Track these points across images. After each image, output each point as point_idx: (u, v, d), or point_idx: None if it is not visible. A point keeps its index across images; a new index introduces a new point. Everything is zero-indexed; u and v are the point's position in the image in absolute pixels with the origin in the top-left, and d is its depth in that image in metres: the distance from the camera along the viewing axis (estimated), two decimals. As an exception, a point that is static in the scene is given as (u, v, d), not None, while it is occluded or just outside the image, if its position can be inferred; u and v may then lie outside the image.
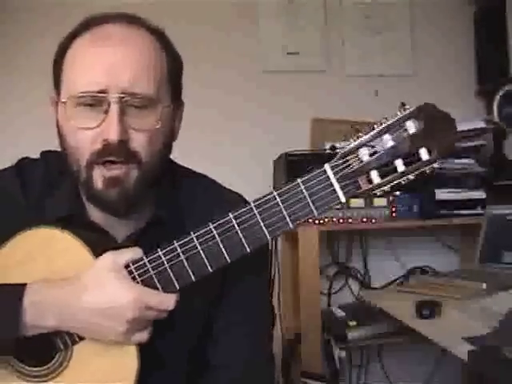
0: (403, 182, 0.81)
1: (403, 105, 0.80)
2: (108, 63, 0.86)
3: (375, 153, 0.80)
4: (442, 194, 2.17)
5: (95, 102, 0.86)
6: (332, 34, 2.52)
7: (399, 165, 0.79)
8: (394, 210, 2.15)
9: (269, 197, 0.82)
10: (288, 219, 0.82)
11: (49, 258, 0.88)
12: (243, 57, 2.44)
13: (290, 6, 2.49)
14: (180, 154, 1.02)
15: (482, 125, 2.23)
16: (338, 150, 2.37)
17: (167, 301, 0.84)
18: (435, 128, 0.79)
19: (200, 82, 2.15)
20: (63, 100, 0.89)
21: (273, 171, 2.33)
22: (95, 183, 0.87)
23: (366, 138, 0.80)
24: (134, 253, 0.86)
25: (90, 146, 0.86)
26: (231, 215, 0.83)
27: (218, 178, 1.07)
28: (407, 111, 0.79)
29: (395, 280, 2.41)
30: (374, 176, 0.80)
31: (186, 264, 0.84)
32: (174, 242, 0.85)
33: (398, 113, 0.79)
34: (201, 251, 0.84)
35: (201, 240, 0.84)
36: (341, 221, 2.10)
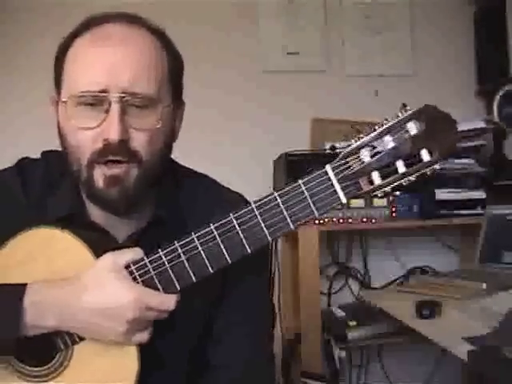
0: (404, 184, 0.81)
1: (404, 106, 0.79)
2: (108, 63, 0.86)
3: (376, 154, 0.79)
4: (442, 194, 2.17)
5: (96, 101, 0.86)
6: (332, 34, 2.52)
7: (400, 166, 0.79)
8: (394, 209, 2.15)
9: (270, 197, 0.82)
10: (289, 220, 0.82)
11: (49, 258, 0.88)
12: (243, 57, 2.44)
13: (290, 5, 2.49)
14: (180, 154, 1.02)
15: (481, 125, 2.23)
16: (337, 150, 2.38)
17: (168, 301, 0.84)
18: (436, 129, 0.79)
19: (200, 82, 2.15)
20: (64, 99, 0.89)
21: (273, 171, 2.33)
22: (96, 182, 0.88)
23: (367, 138, 0.80)
24: (135, 253, 0.86)
25: (91, 145, 0.86)
26: (232, 216, 0.83)
27: (218, 178, 1.07)
28: (408, 112, 0.79)
29: (395, 280, 2.41)
30: (375, 177, 0.80)
31: (186, 264, 0.84)
32: (175, 242, 0.84)
33: (399, 114, 0.79)
34: (201, 252, 0.84)
35: (202, 240, 0.84)
36: (341, 221, 2.10)
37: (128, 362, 0.86)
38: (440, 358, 2.31)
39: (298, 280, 2.06)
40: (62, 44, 0.92)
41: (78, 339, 0.87)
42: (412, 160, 0.79)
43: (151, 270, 0.85)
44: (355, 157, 0.80)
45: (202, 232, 0.84)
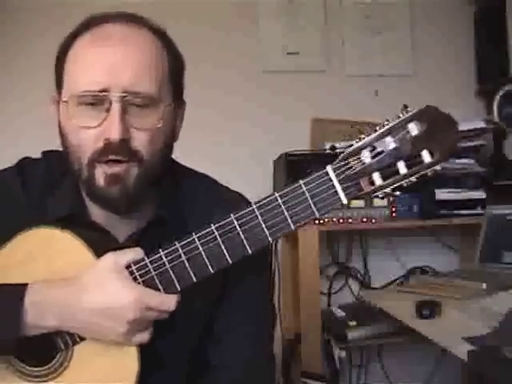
0: (405, 185, 0.81)
1: (405, 107, 0.79)
2: (109, 62, 0.86)
3: (377, 155, 0.79)
4: (442, 194, 2.17)
5: (97, 101, 0.86)
6: (332, 34, 2.52)
7: (401, 167, 0.79)
8: (394, 210, 2.15)
9: (271, 198, 0.82)
10: (290, 220, 0.82)
11: (49, 258, 0.88)
12: (243, 57, 2.44)
13: (290, 5, 2.49)
14: (180, 154, 1.02)
15: (481, 125, 2.23)
16: (337, 150, 2.38)
17: (168, 301, 0.84)
18: (437, 130, 0.79)
19: (200, 82, 2.14)
20: (65, 99, 0.89)
21: (273, 171, 2.33)
22: (97, 180, 0.88)
23: (368, 139, 0.80)
24: (136, 253, 0.86)
25: (92, 144, 0.87)
26: (233, 216, 0.83)
27: (218, 178, 1.07)
28: (409, 113, 0.79)
29: (395, 280, 2.41)
30: (376, 178, 0.80)
31: (187, 265, 0.84)
32: (176, 242, 0.84)
33: (401, 115, 0.79)
34: (202, 252, 0.84)
35: (202, 241, 0.84)
36: (341, 221, 2.10)
37: (128, 362, 0.86)
38: (440, 358, 2.31)
39: (298, 280, 2.06)
40: (62, 44, 0.92)
41: (78, 339, 0.87)
42: (413, 161, 0.79)
43: (152, 270, 0.85)
44: (356, 157, 0.80)
45: (202, 232, 0.84)
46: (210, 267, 0.84)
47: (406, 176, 0.80)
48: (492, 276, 1.89)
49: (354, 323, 2.09)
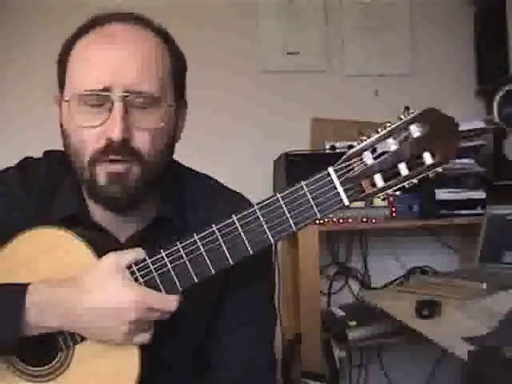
0: (407, 186, 0.81)
1: (407, 108, 0.79)
2: (111, 62, 0.86)
3: (379, 156, 0.80)
4: (442, 194, 2.17)
5: (99, 100, 0.86)
6: (332, 34, 2.52)
7: (403, 168, 0.80)
8: (393, 209, 2.16)
9: (272, 199, 0.82)
10: (291, 222, 0.82)
11: (51, 259, 0.88)
12: (243, 57, 2.44)
13: (290, 6, 2.49)
14: (180, 154, 1.02)
15: (481, 125, 2.24)
16: (337, 150, 2.37)
17: (169, 302, 0.84)
18: (439, 132, 0.79)
19: (200, 82, 2.14)
20: (67, 98, 0.89)
21: (273, 171, 2.34)
22: (98, 180, 0.88)
23: (369, 141, 0.80)
24: (137, 254, 0.86)
25: (94, 144, 0.87)
26: (234, 217, 0.83)
27: (218, 178, 1.07)
28: (411, 115, 0.79)
29: (395, 280, 2.41)
30: (378, 180, 0.80)
31: (188, 265, 0.84)
32: (177, 243, 0.84)
33: (402, 116, 0.79)
34: (203, 253, 0.84)
35: (204, 241, 0.84)
36: (341, 221, 2.10)
37: (129, 362, 0.86)
38: (440, 358, 2.32)
39: (298, 280, 2.06)
40: (65, 43, 0.92)
41: (79, 339, 0.87)
42: (414, 162, 0.79)
43: (153, 270, 0.85)
44: (358, 159, 0.80)
45: (204, 233, 0.84)
46: (211, 268, 0.84)
47: (407, 178, 0.80)
48: (492, 276, 1.89)
49: (353, 323, 2.09)
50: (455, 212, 2.17)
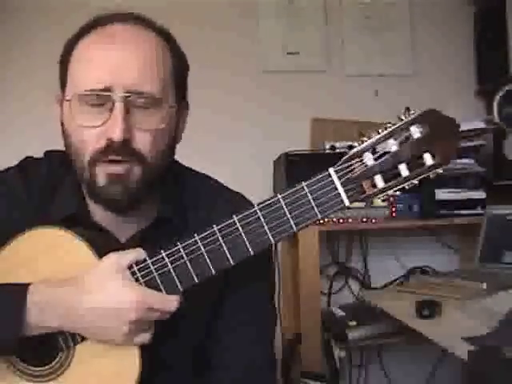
0: (407, 187, 0.81)
1: (408, 109, 0.79)
2: (113, 62, 0.86)
3: (379, 157, 0.80)
4: (442, 194, 2.17)
5: (100, 100, 0.86)
6: (332, 33, 2.52)
7: (403, 169, 0.80)
8: (393, 209, 2.16)
9: (273, 200, 0.82)
10: (292, 222, 0.82)
11: (52, 259, 0.88)
12: (243, 57, 2.44)
13: (290, 6, 2.49)
14: (180, 154, 1.02)
15: (481, 125, 2.24)
16: (337, 150, 2.37)
17: (170, 302, 0.84)
18: (439, 133, 0.79)
19: (200, 82, 2.13)
20: (68, 98, 0.89)
21: (273, 171, 2.34)
22: (98, 180, 0.88)
23: (370, 142, 0.80)
24: (138, 254, 0.86)
25: (94, 144, 0.87)
26: (235, 218, 0.83)
27: (218, 178, 1.07)
28: (412, 116, 0.79)
29: (395, 280, 2.41)
30: (378, 180, 0.80)
31: (189, 266, 0.84)
32: (178, 243, 0.84)
33: (403, 117, 0.79)
34: (204, 253, 0.84)
35: (204, 242, 0.84)
36: (341, 221, 2.10)
37: (130, 362, 0.86)
38: (440, 357, 2.32)
39: (298, 280, 2.06)
40: (67, 43, 0.92)
41: (79, 339, 0.87)
42: (415, 163, 0.80)
43: (154, 270, 0.85)
44: (358, 160, 0.80)
45: (204, 234, 0.84)
46: (211, 268, 0.84)
47: (407, 178, 0.80)
48: (492, 276, 1.89)
49: (353, 323, 2.09)
50: (455, 212, 2.17)
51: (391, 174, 0.80)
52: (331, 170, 0.81)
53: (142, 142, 0.87)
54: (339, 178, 0.80)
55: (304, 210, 0.82)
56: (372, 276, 2.47)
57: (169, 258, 0.85)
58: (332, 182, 0.81)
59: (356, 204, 0.75)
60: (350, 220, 2.11)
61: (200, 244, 0.84)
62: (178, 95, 0.94)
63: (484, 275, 1.91)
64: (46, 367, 0.89)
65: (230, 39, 2.42)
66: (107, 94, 0.85)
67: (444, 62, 2.58)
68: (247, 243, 0.83)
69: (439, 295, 1.77)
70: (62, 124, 0.92)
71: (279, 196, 0.82)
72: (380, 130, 0.80)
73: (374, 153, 0.80)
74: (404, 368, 2.42)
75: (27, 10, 2.29)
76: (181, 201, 0.99)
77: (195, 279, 0.85)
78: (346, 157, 0.81)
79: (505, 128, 2.26)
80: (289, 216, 0.82)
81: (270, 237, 0.83)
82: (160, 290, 0.85)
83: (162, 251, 0.85)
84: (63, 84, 0.92)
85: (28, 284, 0.84)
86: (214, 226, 0.84)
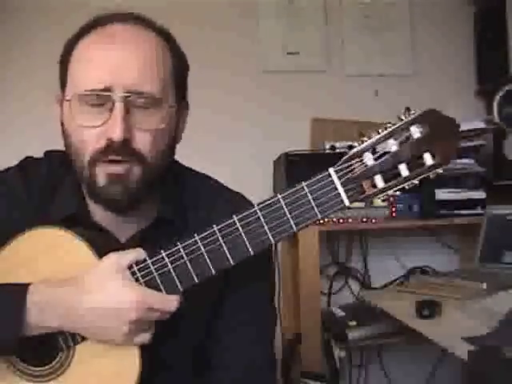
0: (407, 187, 0.81)
1: (408, 109, 0.79)
2: (113, 62, 0.86)
3: (380, 157, 0.80)
4: (442, 194, 2.17)
5: (100, 100, 0.86)
6: (332, 33, 2.52)
7: (403, 169, 0.80)
8: (393, 209, 2.16)
9: (273, 200, 0.82)
10: (292, 222, 0.82)
11: (52, 259, 0.88)
12: (243, 57, 2.44)
13: (290, 6, 2.49)
14: (180, 154, 1.02)
15: (481, 125, 2.24)
16: (337, 150, 2.37)
17: (170, 302, 0.84)
18: (439, 133, 0.79)
19: (200, 82, 2.13)
20: (68, 98, 0.89)
21: (273, 171, 2.34)
22: (98, 180, 0.88)
23: (370, 142, 0.80)
24: (138, 254, 0.85)
25: (94, 144, 0.87)
26: (235, 218, 0.83)
27: (218, 178, 1.07)
28: (412, 116, 0.79)
29: (395, 280, 2.41)
30: (378, 180, 0.80)
31: (189, 266, 0.84)
32: (178, 243, 0.84)
33: (403, 117, 0.79)
34: (204, 253, 0.84)
35: (204, 242, 0.84)
36: (341, 221, 2.10)
37: (130, 362, 0.86)
38: (440, 357, 2.32)
39: (298, 280, 2.06)
40: (67, 43, 0.93)
41: (79, 339, 0.87)
42: (415, 163, 0.80)
43: (154, 270, 0.85)
44: (358, 160, 0.80)
45: (204, 234, 0.84)
46: (211, 268, 0.84)
47: (407, 179, 0.80)
48: (492, 276, 1.89)
49: (353, 323, 2.09)
50: (455, 212, 2.17)
51: (391, 174, 0.80)
52: (331, 170, 0.81)
53: (142, 141, 0.87)
54: (339, 177, 0.80)
55: (304, 210, 0.82)
56: (372, 276, 2.47)
57: (169, 257, 0.85)
58: (332, 181, 0.81)
59: (356, 204, 0.75)
60: (350, 220, 2.11)
61: (200, 244, 0.84)
62: (178, 95, 0.94)
63: (484, 275, 1.91)
64: (46, 367, 0.89)
65: (230, 39, 2.42)
66: (107, 94, 0.85)
67: (444, 62, 2.58)
68: (247, 243, 0.83)
69: (439, 295, 1.77)
70: (62, 124, 0.92)
71: (279, 196, 0.82)
72: (380, 130, 0.80)
73: (374, 153, 0.80)
74: (404, 368, 2.42)
75: (27, 10, 2.29)
76: (181, 201, 0.99)
77: (195, 279, 0.85)
78: (346, 157, 0.81)
79: (505, 128, 2.26)
80: (289, 216, 0.82)
81: (270, 237, 0.83)
82: (160, 290, 0.85)
83: (161, 251, 0.85)
84: (63, 84, 0.92)
85: (28, 284, 0.84)
86: (214, 226, 0.84)
